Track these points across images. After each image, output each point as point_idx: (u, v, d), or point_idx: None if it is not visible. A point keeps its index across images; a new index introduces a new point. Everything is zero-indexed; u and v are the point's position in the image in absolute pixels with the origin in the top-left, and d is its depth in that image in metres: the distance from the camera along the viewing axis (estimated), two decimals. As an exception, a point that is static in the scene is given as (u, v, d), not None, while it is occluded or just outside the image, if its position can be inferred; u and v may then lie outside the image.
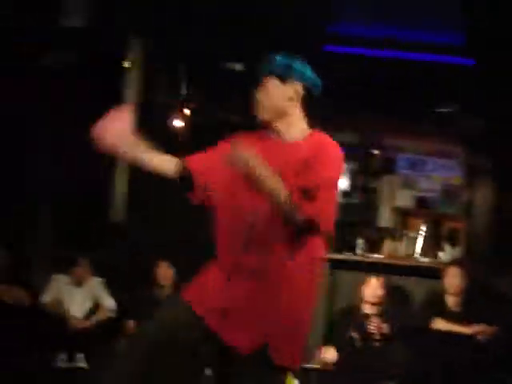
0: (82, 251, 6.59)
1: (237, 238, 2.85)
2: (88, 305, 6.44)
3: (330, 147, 2.92)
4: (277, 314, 2.81)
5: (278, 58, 2.98)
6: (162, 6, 6.48)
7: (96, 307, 6.43)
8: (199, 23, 6.84)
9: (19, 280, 6.39)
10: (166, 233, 6.78)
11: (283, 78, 2.95)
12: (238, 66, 6.12)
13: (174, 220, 6.80)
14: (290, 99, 2.96)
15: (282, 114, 2.96)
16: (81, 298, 6.46)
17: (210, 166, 2.99)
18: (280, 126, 2.97)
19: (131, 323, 6.24)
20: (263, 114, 2.97)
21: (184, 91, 7.37)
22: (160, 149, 2.93)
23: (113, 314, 6.43)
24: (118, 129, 2.76)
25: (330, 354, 6.03)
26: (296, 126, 2.98)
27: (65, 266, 6.58)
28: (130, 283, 6.76)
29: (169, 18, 6.64)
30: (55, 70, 7.10)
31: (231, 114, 7.21)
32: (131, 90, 6.67)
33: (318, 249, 2.93)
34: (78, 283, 6.51)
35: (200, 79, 7.26)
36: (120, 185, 6.57)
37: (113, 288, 6.62)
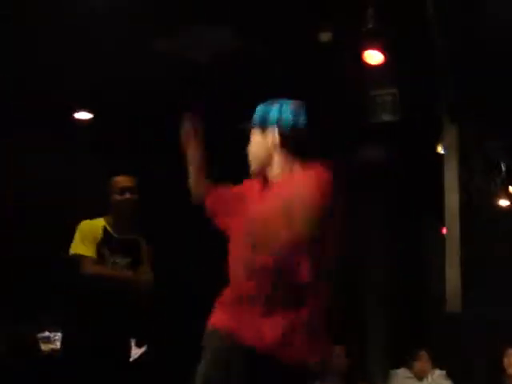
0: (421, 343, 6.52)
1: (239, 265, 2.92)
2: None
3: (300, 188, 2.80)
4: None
5: (259, 107, 3.03)
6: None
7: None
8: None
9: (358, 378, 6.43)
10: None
11: (262, 128, 2.98)
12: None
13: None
14: (270, 147, 2.96)
15: (267, 163, 2.98)
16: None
17: (226, 198, 3.15)
18: (268, 173, 2.98)
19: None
20: (252, 166, 3.03)
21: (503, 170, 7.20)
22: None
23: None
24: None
25: None
26: (281, 171, 2.95)
27: (404, 359, 6.52)
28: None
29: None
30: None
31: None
32: (449, 175, 6.58)
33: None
34: (420, 377, 6.40)
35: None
36: (453, 273, 6.42)
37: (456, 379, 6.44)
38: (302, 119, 2.99)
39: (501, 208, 7.34)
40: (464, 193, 6.58)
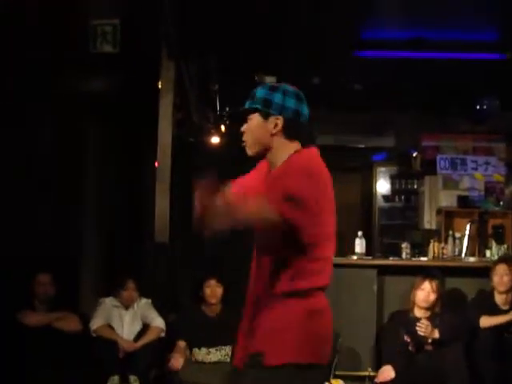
0: (129, 273, 6.62)
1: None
2: (138, 326, 6.45)
3: (292, 163, 2.99)
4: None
5: (259, 92, 3.07)
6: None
7: (146, 328, 6.43)
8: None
9: (68, 306, 6.43)
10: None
11: (264, 114, 3.04)
12: (270, 79, 6.14)
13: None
14: (272, 133, 3.04)
15: (267, 148, 3.07)
16: (130, 319, 6.48)
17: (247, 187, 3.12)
18: (269, 157, 3.10)
19: (182, 343, 6.25)
20: (250, 150, 3.10)
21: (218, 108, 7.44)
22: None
23: (163, 334, 6.43)
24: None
25: (386, 374, 5.97)
26: (281, 157, 3.05)
27: (112, 289, 6.59)
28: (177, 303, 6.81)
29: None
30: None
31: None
32: (163, 110, 6.68)
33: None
34: (127, 305, 6.52)
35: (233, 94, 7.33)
36: (162, 206, 6.58)
37: (160, 308, 6.62)
38: (304, 108, 3.07)
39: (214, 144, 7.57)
40: (177, 128, 6.75)
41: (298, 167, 2.92)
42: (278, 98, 3.02)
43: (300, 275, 2.90)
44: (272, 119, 3.02)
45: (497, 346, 5.97)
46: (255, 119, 3.05)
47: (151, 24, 6.50)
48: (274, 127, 3.02)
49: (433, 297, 6.10)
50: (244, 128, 3.10)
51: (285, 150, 3.05)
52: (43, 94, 6.89)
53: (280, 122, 3.02)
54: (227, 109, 7.49)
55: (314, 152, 3.06)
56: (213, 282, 6.38)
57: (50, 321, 6.16)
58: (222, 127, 7.69)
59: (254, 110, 3.05)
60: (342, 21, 6.93)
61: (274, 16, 6.78)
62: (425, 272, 6.29)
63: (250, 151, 3.09)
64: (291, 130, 3.04)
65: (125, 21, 6.42)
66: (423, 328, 5.95)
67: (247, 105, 3.09)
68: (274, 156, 3.06)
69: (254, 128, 3.06)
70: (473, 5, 6.64)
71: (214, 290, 6.36)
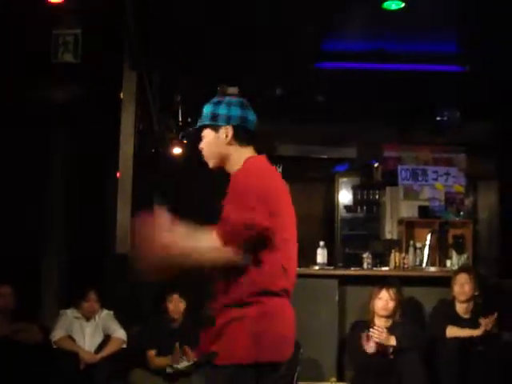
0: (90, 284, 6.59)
1: None
2: (99, 338, 6.42)
3: (237, 175, 3.09)
4: None
5: (205, 108, 3.25)
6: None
7: (107, 339, 6.40)
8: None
9: (29, 318, 6.38)
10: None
11: (213, 127, 3.20)
12: (233, 90, 6.13)
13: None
14: (226, 143, 3.19)
15: (224, 158, 3.22)
16: (91, 331, 6.45)
17: None
18: (228, 167, 3.22)
19: (152, 353, 6.25)
20: (209, 162, 3.25)
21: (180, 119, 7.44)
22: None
23: (125, 346, 6.41)
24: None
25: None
26: (238, 163, 3.15)
27: (73, 300, 6.56)
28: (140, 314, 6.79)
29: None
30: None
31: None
32: (126, 121, 6.67)
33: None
34: (88, 317, 6.49)
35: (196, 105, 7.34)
36: (123, 216, 6.56)
37: (122, 319, 6.60)
38: (250, 114, 3.23)
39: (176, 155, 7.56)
40: (139, 138, 6.74)
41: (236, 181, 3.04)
42: (222, 109, 3.19)
43: (251, 281, 2.97)
44: (222, 130, 3.18)
45: (459, 356, 6.02)
46: (208, 134, 3.21)
47: (113, 34, 6.50)
48: (226, 137, 3.17)
49: (391, 304, 6.15)
50: (201, 145, 3.25)
51: (240, 156, 3.17)
52: (3, 103, 6.84)
53: (229, 130, 3.17)
54: (181, 133, 7.47)
55: (264, 158, 3.20)
56: (175, 297, 6.40)
57: (11, 332, 6.10)
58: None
59: (205, 127, 3.22)
60: (304, 33, 6.97)
61: (236, 28, 6.81)
62: (382, 281, 6.34)
63: (210, 164, 3.25)
64: (242, 135, 3.18)
65: (87, 31, 6.41)
66: (376, 333, 5.98)
67: (197, 124, 3.26)
68: (231, 164, 3.18)
69: (209, 142, 3.22)
70: (431, 18, 6.72)
71: (176, 305, 6.40)
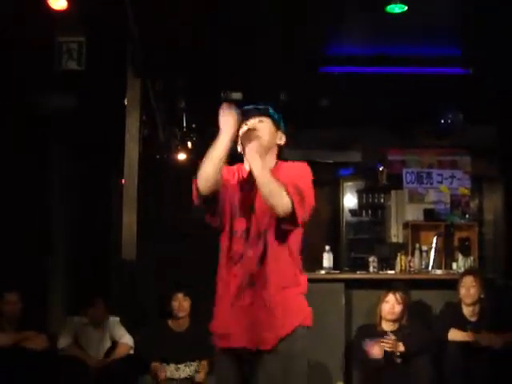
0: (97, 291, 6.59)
1: None
2: (106, 345, 6.42)
3: (295, 163, 3.51)
4: None
5: (270, 108, 3.54)
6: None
7: (115, 346, 6.40)
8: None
9: (36, 325, 6.37)
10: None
11: (276, 125, 3.53)
12: (237, 95, 6.17)
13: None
14: (276, 143, 3.53)
15: (270, 151, 3.49)
16: (98, 338, 6.44)
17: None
18: (265, 158, 3.40)
19: (157, 365, 6.22)
20: (253, 145, 3.33)
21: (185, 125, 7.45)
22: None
23: (132, 351, 6.40)
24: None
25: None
26: (273, 160, 3.51)
27: (82, 306, 6.56)
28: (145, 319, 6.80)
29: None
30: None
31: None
32: (130, 127, 6.68)
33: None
34: (95, 324, 6.49)
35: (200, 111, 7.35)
36: (129, 223, 6.56)
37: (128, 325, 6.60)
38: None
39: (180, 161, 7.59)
40: (144, 145, 6.75)
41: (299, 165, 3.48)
42: (279, 118, 3.55)
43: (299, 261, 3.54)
44: (281, 133, 3.55)
45: (464, 359, 6.00)
46: (269, 126, 3.50)
47: (117, 42, 6.52)
48: (282, 140, 3.54)
49: (398, 308, 6.14)
50: (258, 126, 3.44)
51: (272, 157, 3.49)
52: (7, 110, 6.86)
53: (284, 138, 3.55)
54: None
55: None
56: (180, 296, 6.39)
57: (18, 340, 6.10)
58: (189, 144, 7.70)
59: (269, 116, 3.50)
60: (308, 37, 6.98)
61: (240, 33, 6.81)
62: (388, 285, 6.33)
63: (252, 145, 3.31)
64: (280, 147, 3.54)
65: (90, 38, 6.42)
66: (387, 346, 5.97)
67: (266, 112, 3.51)
68: (269, 160, 3.44)
69: (269, 133, 3.48)
70: (435, 21, 6.72)
71: (181, 304, 6.38)
